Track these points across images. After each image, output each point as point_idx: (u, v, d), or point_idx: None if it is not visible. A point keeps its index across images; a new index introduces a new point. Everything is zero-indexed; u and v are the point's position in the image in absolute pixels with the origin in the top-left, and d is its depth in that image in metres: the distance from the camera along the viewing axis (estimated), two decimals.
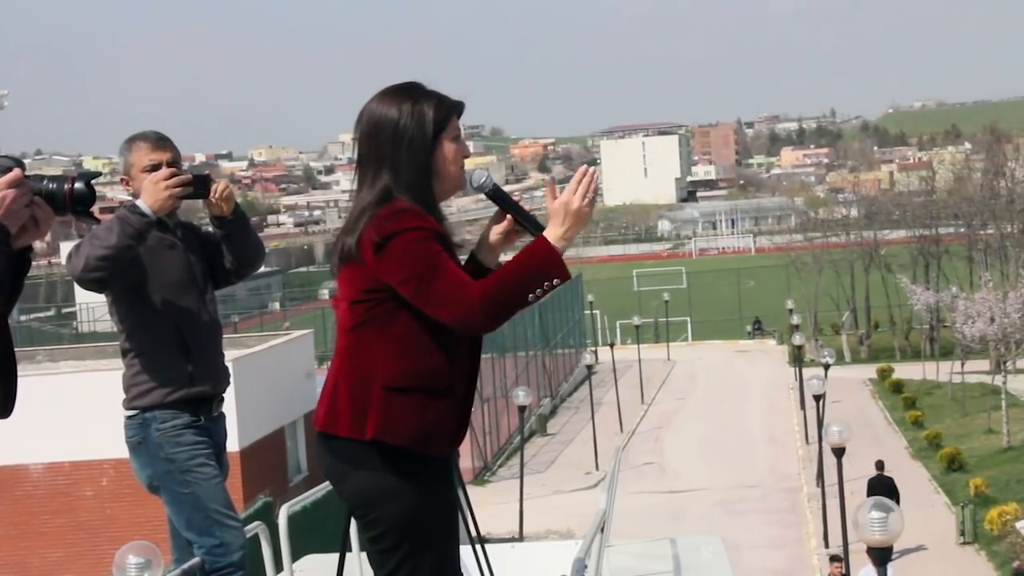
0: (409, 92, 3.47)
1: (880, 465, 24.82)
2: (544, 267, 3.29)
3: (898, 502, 22.68)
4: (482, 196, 3.50)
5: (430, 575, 3.44)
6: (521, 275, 3.29)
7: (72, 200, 2.84)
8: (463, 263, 3.56)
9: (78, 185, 2.85)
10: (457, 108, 3.51)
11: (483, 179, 3.48)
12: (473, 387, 3.55)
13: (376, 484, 3.40)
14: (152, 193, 4.81)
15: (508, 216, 3.53)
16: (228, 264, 5.19)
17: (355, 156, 3.50)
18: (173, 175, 4.85)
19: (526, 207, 3.56)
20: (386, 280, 3.35)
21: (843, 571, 19.01)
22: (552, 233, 3.32)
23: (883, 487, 23.08)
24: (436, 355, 3.43)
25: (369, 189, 3.43)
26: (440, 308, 3.31)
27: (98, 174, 2.91)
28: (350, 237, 3.40)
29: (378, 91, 3.52)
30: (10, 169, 2.75)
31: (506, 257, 3.50)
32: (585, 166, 3.44)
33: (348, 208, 3.55)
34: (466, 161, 3.53)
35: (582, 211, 3.32)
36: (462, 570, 3.55)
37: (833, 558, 20.13)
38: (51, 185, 2.84)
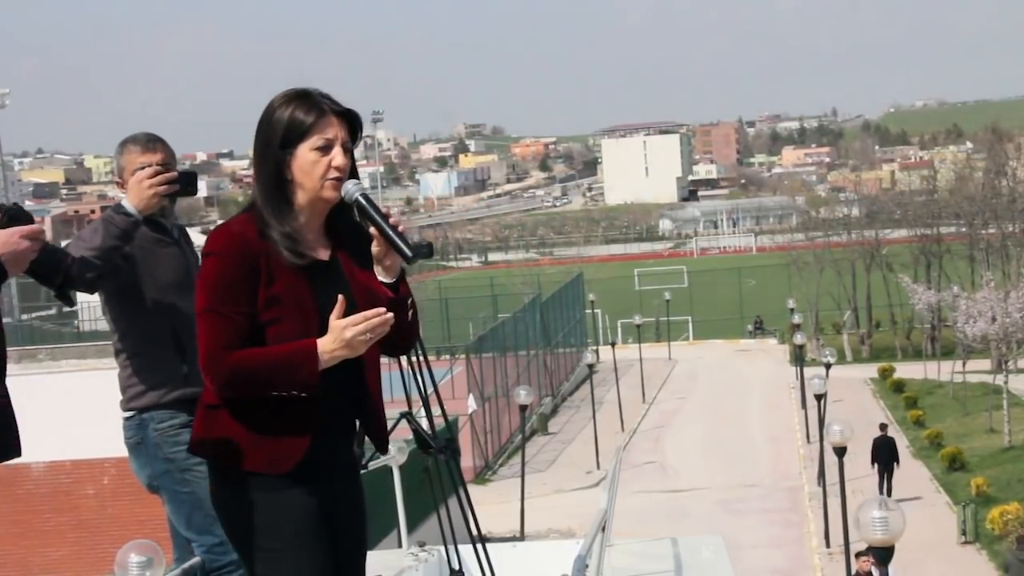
0: (279, 100, 3.41)
1: (883, 427, 29.24)
2: (300, 371, 3.26)
3: (898, 461, 27.83)
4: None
5: None
6: (278, 369, 3.26)
7: (64, 279, 3.04)
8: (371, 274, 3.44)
9: (75, 267, 3.02)
10: (328, 114, 3.39)
11: (347, 190, 3.40)
12: (338, 397, 3.40)
13: (213, 494, 3.47)
14: (136, 192, 4.82)
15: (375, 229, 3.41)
16: None
17: None
18: (156, 174, 4.85)
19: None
20: None
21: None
22: (322, 344, 3.27)
23: (887, 447, 28.12)
24: None
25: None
26: (199, 357, 3.31)
27: (96, 265, 3.22)
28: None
29: None
30: (30, 220, 3.07)
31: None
32: (385, 312, 3.29)
33: None
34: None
35: (353, 342, 3.25)
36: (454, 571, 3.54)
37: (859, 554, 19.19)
38: (53, 258, 2.99)
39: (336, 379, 3.35)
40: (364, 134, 3.56)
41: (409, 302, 3.49)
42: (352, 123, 3.44)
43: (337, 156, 3.37)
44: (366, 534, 3.65)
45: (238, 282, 3.30)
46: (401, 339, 3.53)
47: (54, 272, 3.10)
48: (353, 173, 3.44)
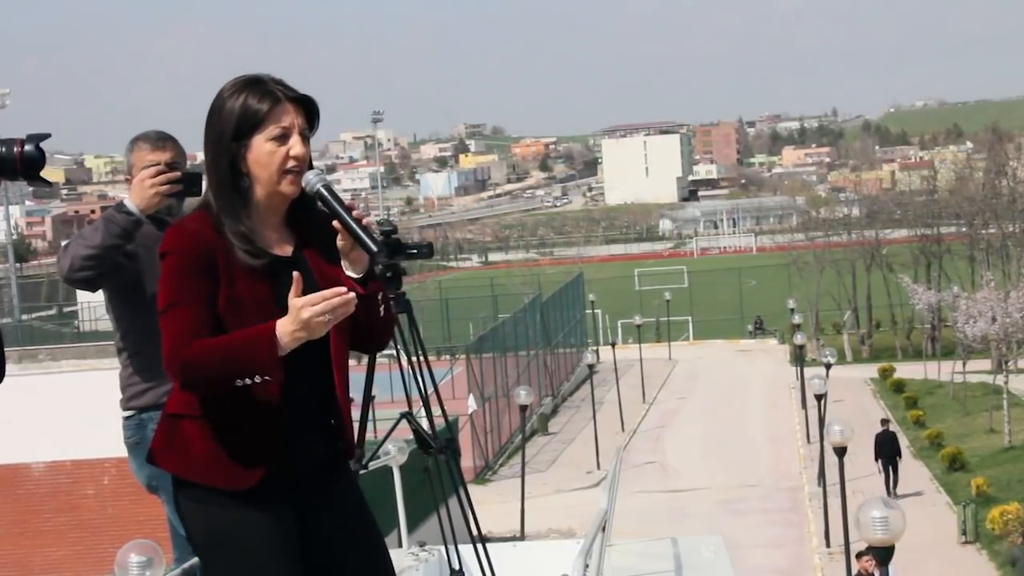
0: (230, 89, 3.25)
1: (885, 423, 30.08)
2: (259, 352, 3.06)
3: (900, 455, 28.75)
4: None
5: None
6: (237, 352, 3.08)
7: (23, 164, 2.81)
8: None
9: (28, 148, 2.80)
10: (283, 101, 3.22)
11: (308, 180, 3.23)
12: (304, 406, 3.26)
13: (176, 505, 3.33)
14: (138, 191, 4.81)
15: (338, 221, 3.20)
16: None
17: None
18: (159, 173, 4.83)
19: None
20: None
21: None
22: (281, 325, 3.06)
23: (889, 442, 28.93)
24: None
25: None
26: (163, 356, 3.15)
27: (47, 135, 2.85)
28: None
29: None
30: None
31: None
32: (346, 293, 3.08)
33: None
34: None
35: (311, 323, 3.03)
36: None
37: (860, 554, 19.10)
38: (0, 149, 2.80)
39: (302, 387, 3.21)
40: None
41: (380, 296, 3.29)
42: (309, 110, 3.27)
43: (295, 145, 3.21)
44: (373, 537, 3.46)
45: (197, 278, 3.15)
46: (373, 335, 3.37)
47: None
48: (310, 164, 3.26)
